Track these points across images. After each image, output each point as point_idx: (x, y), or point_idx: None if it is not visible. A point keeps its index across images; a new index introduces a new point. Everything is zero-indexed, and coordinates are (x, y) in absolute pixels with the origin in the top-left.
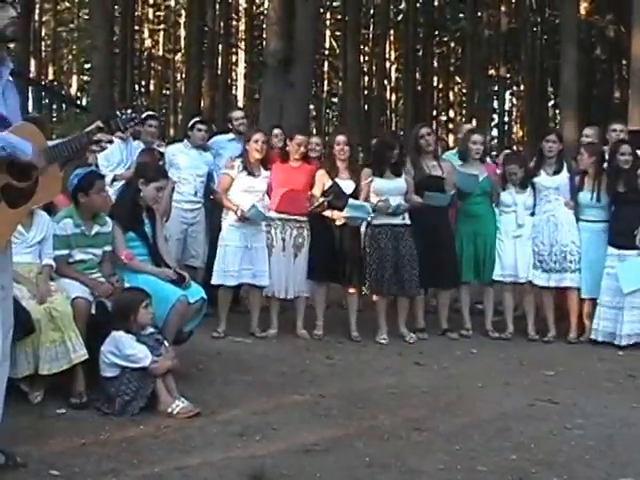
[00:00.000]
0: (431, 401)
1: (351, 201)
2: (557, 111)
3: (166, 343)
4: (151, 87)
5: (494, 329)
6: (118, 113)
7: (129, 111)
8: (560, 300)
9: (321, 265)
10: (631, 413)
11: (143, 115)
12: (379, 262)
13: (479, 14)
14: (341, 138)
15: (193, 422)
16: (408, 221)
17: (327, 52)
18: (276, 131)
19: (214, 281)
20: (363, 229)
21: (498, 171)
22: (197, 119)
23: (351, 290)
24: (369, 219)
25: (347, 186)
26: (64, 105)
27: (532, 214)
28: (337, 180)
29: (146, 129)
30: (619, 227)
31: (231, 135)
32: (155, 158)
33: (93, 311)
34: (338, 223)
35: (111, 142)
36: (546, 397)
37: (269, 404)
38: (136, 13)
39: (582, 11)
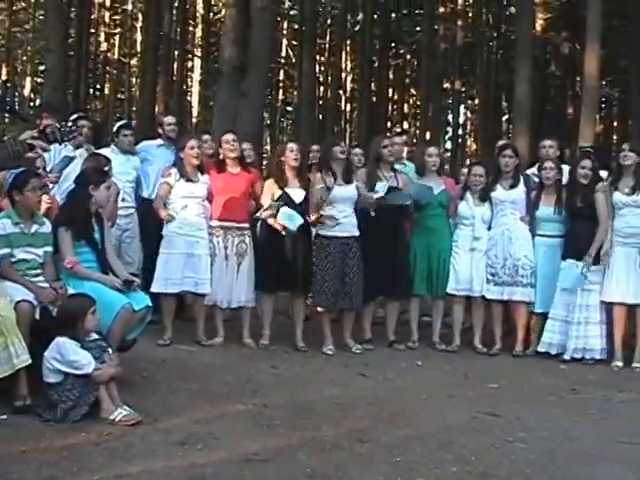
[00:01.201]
0: (375, 412)
1: (283, 209)
2: (511, 126)
3: (110, 350)
4: (106, 91)
5: (441, 341)
6: (57, 125)
7: (69, 124)
8: (507, 314)
9: (269, 276)
10: (573, 427)
11: (74, 116)
12: (325, 273)
13: (435, 27)
14: (293, 145)
15: (135, 430)
16: (356, 233)
17: (283, 61)
18: (205, 137)
19: (154, 289)
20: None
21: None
22: (122, 123)
23: (298, 301)
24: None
25: (297, 195)
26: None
27: (489, 228)
28: (287, 189)
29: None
30: (574, 242)
31: (160, 141)
32: (101, 163)
33: (37, 316)
34: (284, 232)
35: (46, 150)
36: (489, 410)
37: (212, 413)
38: (92, 16)
39: (538, 27)
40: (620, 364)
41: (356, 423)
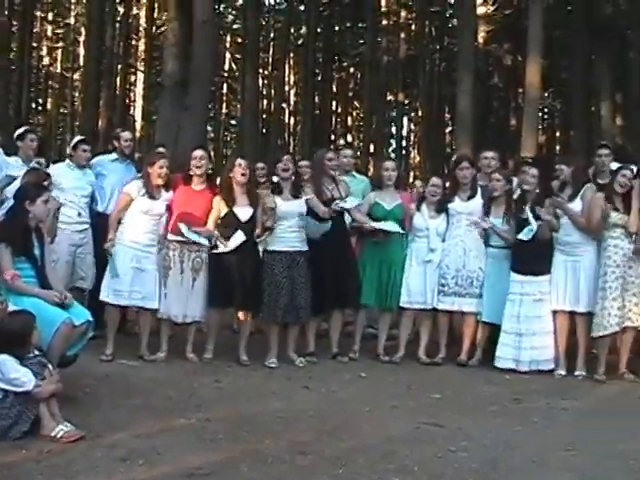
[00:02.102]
0: (317, 425)
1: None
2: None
3: (50, 366)
4: (48, 105)
5: (385, 353)
6: None
7: None
8: (452, 324)
9: (218, 292)
10: (515, 436)
11: (20, 130)
12: (273, 289)
13: (379, 40)
14: (241, 160)
15: (77, 446)
16: (304, 248)
17: (226, 74)
18: (160, 150)
19: (102, 297)
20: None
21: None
22: (80, 138)
23: (242, 316)
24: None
25: (245, 213)
26: None
27: (443, 240)
28: (235, 208)
29: (26, 144)
30: (522, 253)
31: (114, 155)
32: (40, 177)
33: None
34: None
35: None
36: (432, 420)
37: (155, 428)
38: (34, 29)
39: (480, 40)
40: (563, 372)
41: (298, 436)
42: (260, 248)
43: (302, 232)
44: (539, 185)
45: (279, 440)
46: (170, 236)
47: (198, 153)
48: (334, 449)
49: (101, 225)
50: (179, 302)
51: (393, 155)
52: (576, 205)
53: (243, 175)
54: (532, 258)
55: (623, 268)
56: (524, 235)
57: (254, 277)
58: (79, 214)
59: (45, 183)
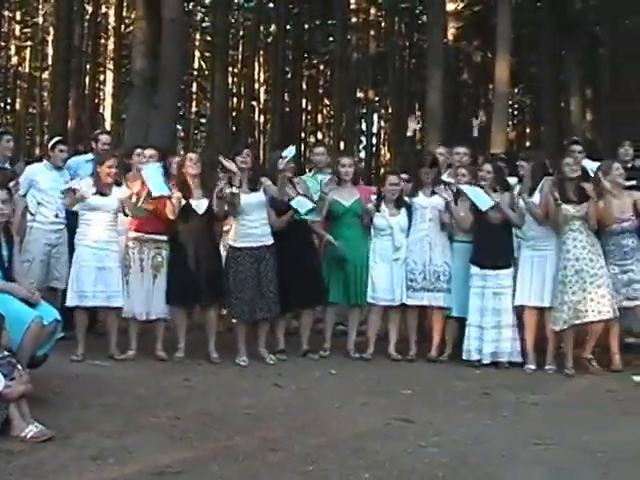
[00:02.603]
0: (288, 422)
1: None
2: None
3: (20, 367)
4: (17, 105)
5: (356, 349)
6: None
7: None
8: (420, 320)
9: (179, 289)
10: (485, 430)
11: None
12: (239, 285)
13: (348, 37)
14: (192, 155)
15: (47, 446)
16: (269, 242)
17: (196, 72)
18: (138, 151)
19: (69, 303)
20: (224, 253)
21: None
22: (58, 139)
23: (211, 314)
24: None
25: (201, 205)
26: None
27: (407, 236)
28: (191, 200)
29: (2, 145)
30: (482, 246)
31: (90, 156)
32: (6, 177)
33: None
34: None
35: None
36: (403, 416)
37: (125, 427)
38: (2, 29)
39: (449, 36)
40: (533, 367)
41: (269, 433)
42: (222, 246)
43: (266, 226)
44: (496, 180)
45: (249, 437)
46: (130, 234)
47: (147, 152)
48: (304, 446)
49: (75, 225)
50: (141, 300)
51: (363, 152)
52: (535, 199)
53: (194, 168)
54: (492, 252)
55: (583, 261)
56: (484, 204)
57: (214, 273)
58: (56, 215)
59: (11, 183)
